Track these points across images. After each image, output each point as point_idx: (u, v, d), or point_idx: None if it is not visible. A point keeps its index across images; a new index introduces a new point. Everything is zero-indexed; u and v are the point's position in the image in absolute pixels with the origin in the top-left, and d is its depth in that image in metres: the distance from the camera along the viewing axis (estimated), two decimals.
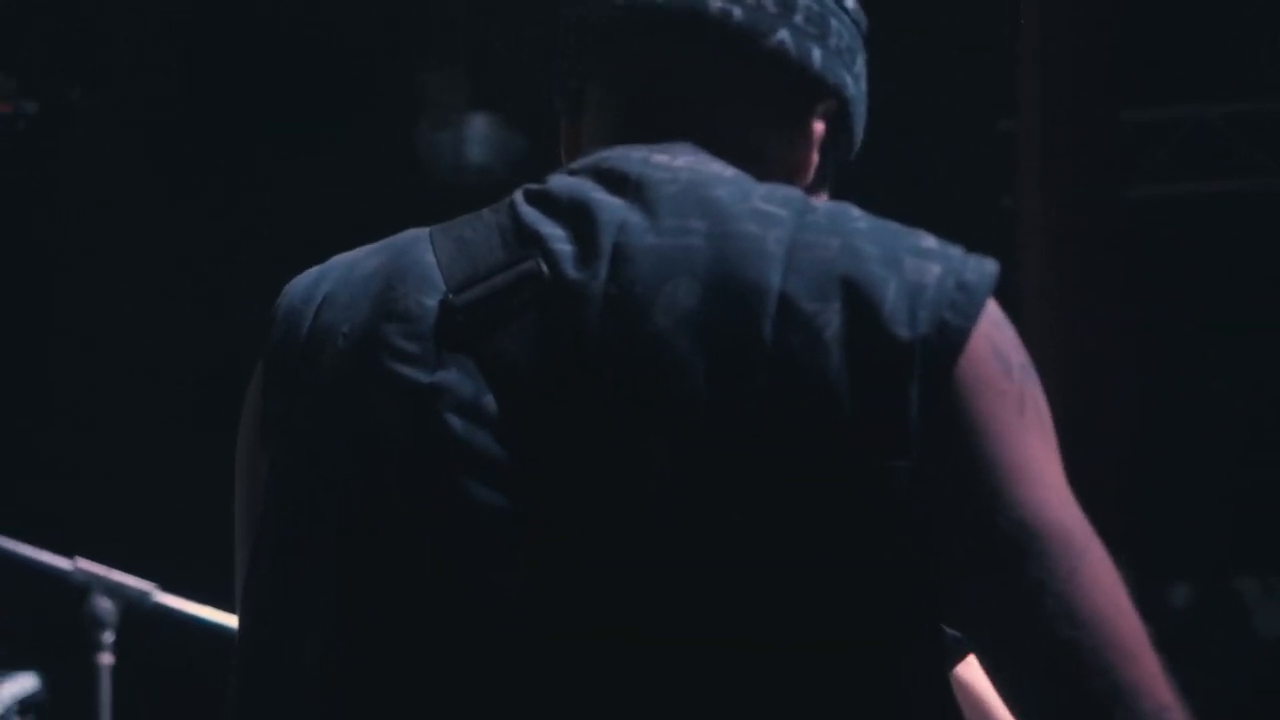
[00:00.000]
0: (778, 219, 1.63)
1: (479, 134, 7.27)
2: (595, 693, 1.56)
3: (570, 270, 1.63)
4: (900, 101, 6.49)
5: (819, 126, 1.82)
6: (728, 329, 1.57)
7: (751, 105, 1.80)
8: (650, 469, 1.56)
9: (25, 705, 4.47)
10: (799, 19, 1.80)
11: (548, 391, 1.60)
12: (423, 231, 1.73)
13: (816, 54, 1.80)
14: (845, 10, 1.84)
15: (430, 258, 1.69)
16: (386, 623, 1.61)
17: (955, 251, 1.64)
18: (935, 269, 1.61)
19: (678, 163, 1.71)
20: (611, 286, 1.61)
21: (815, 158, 1.82)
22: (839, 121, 1.84)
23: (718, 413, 1.56)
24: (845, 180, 1.88)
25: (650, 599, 1.56)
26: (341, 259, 1.76)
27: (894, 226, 1.65)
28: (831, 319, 1.57)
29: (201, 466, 6.89)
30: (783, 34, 1.79)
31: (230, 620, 3.92)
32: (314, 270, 1.76)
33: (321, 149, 7.44)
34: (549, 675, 1.56)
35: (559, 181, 1.72)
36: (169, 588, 3.91)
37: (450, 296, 1.65)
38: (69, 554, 3.90)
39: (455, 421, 1.60)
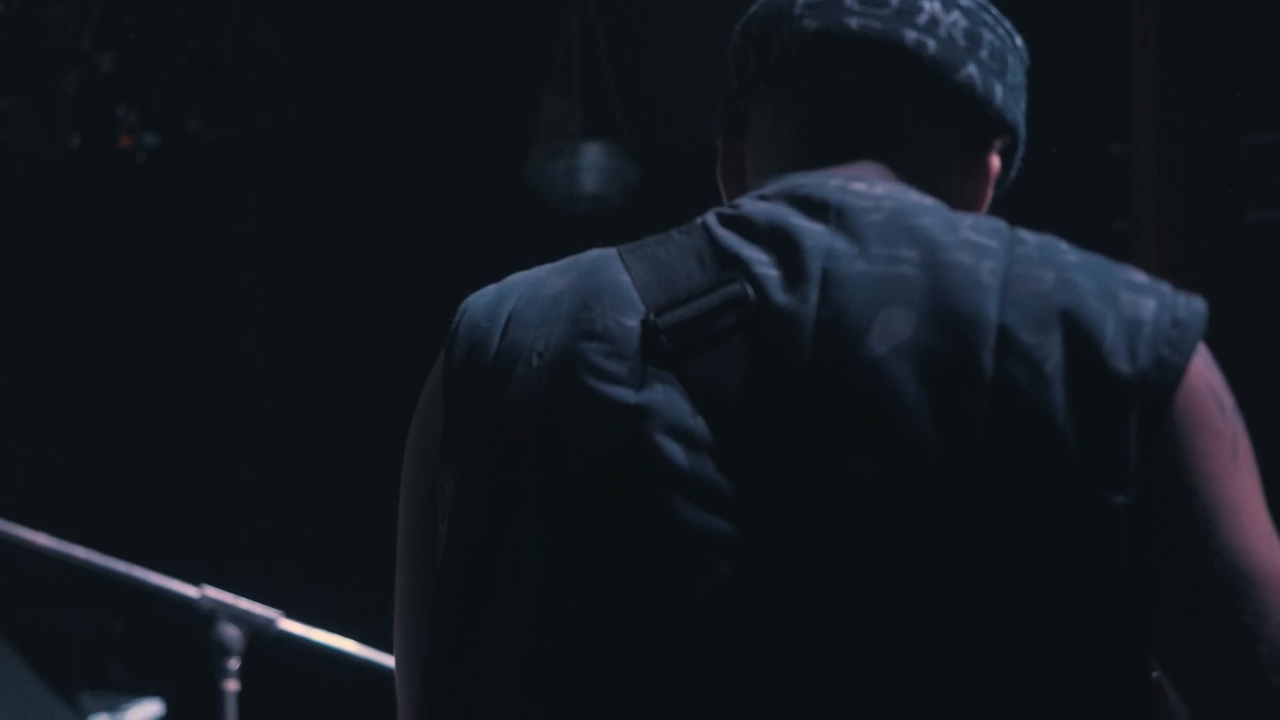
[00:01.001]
0: (989, 249, 1.64)
1: (592, 162, 7.28)
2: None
3: (778, 295, 1.63)
4: None
5: (995, 161, 1.84)
6: (946, 359, 1.58)
7: (935, 137, 1.81)
8: (868, 495, 1.57)
9: None
10: (984, 54, 1.82)
11: (761, 415, 1.60)
12: (609, 251, 1.74)
13: (999, 90, 1.82)
14: (1017, 47, 1.86)
15: (624, 278, 1.69)
16: (595, 646, 1.61)
17: (1166, 288, 1.65)
18: (1150, 304, 1.62)
19: (877, 190, 1.71)
20: (824, 312, 1.61)
21: (990, 193, 1.84)
22: (1007, 157, 1.87)
23: (938, 441, 1.56)
24: None
25: (865, 623, 1.56)
26: (521, 278, 1.77)
27: (1102, 260, 1.66)
28: (1052, 351, 1.58)
29: (326, 495, 6.94)
30: (971, 68, 1.81)
31: (352, 646, 3.95)
32: (492, 288, 1.77)
33: (437, 179, 7.48)
34: (765, 702, 1.57)
35: (753, 206, 1.72)
36: (294, 615, 3.94)
37: (652, 317, 1.65)
38: (196, 582, 3.94)
39: (666, 443, 1.61)
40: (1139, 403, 1.58)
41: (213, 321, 7.71)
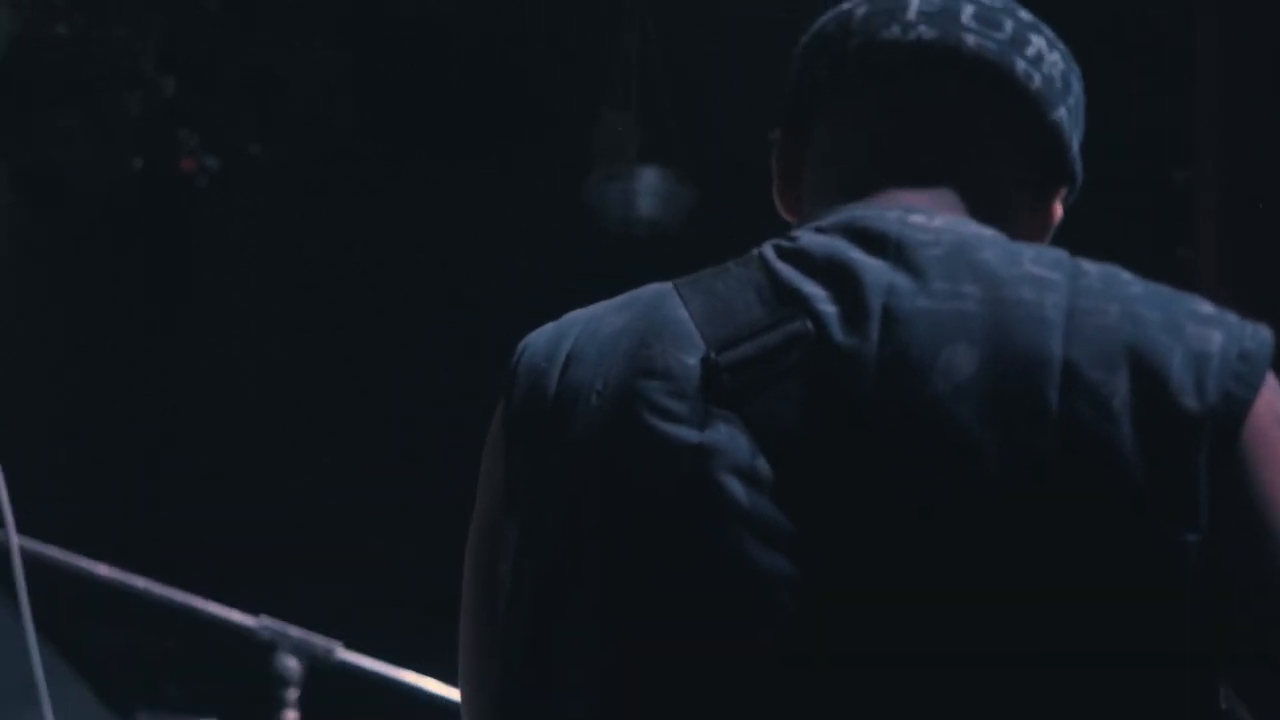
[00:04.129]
0: (1052, 283, 1.62)
1: (649, 186, 7.28)
2: None
3: (838, 332, 1.62)
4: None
5: (1059, 209, 1.84)
6: (1011, 396, 1.57)
7: (1014, 165, 1.81)
8: (934, 533, 1.56)
9: None
10: (1072, 101, 1.82)
11: (824, 455, 1.60)
12: (665, 286, 1.73)
13: (1075, 141, 1.83)
14: (1085, 110, 1.86)
15: (682, 313, 1.68)
16: (663, 683, 1.60)
17: (1232, 318, 1.63)
18: (1217, 336, 1.60)
19: (935, 223, 1.70)
20: (886, 350, 1.60)
21: (1048, 239, 1.84)
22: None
23: (1004, 479, 1.55)
24: None
25: (934, 662, 1.56)
26: (579, 315, 1.76)
27: (1167, 290, 1.64)
28: (1118, 387, 1.56)
29: (385, 526, 6.95)
30: (1062, 111, 1.81)
31: (411, 677, 3.95)
32: (549, 327, 1.76)
33: (494, 202, 7.49)
34: None
35: (811, 239, 1.71)
36: (353, 645, 3.94)
37: (713, 355, 1.64)
38: (255, 612, 3.94)
39: (730, 482, 1.60)
40: (1208, 439, 1.56)
41: (272, 346, 7.72)
